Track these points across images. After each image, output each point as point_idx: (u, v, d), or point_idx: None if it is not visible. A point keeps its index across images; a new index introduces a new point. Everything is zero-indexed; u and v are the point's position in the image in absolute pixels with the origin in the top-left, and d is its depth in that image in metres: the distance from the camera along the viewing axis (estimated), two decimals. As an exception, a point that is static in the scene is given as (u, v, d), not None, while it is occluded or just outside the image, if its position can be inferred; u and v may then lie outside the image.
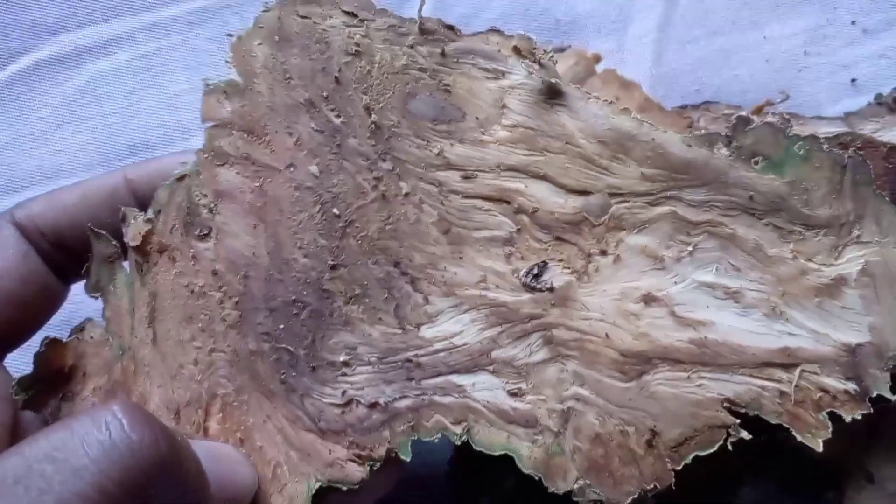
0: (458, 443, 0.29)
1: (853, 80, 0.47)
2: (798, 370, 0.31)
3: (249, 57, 0.32)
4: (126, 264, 0.32)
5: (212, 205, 0.31)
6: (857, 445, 0.36)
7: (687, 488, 0.30)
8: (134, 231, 0.31)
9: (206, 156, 0.31)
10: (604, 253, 0.32)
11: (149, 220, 0.31)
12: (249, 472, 0.29)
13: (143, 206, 0.32)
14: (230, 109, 0.32)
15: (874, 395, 0.31)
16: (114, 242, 0.32)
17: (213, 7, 0.48)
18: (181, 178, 0.32)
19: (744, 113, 0.33)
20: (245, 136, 0.32)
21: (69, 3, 0.47)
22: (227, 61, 0.32)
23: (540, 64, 0.33)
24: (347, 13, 0.33)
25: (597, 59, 0.38)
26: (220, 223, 0.31)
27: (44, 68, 0.46)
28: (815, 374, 0.31)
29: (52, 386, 0.31)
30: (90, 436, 0.22)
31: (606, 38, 0.47)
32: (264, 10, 0.33)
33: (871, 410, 0.30)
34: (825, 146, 0.33)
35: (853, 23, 0.48)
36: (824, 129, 0.43)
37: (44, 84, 0.47)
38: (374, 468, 0.29)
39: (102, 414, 0.22)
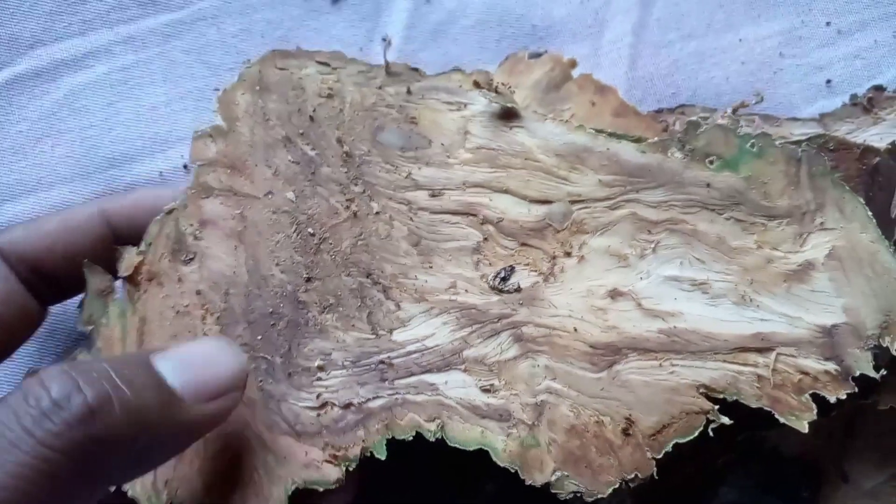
0: (433, 440, 0.35)
1: (828, 82, 0.54)
2: (774, 353, 0.37)
3: (233, 105, 0.43)
4: (118, 296, 0.41)
5: (196, 232, 0.40)
6: (833, 444, 0.41)
7: (667, 488, 0.35)
8: (127, 263, 0.40)
9: (193, 191, 0.41)
10: (568, 255, 0.39)
11: (140, 253, 0.40)
12: (233, 361, 0.33)
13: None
14: (215, 150, 0.42)
15: (857, 374, 0.36)
16: (108, 276, 0.41)
17: (189, 19, 0.54)
18: (170, 211, 0.41)
19: (695, 118, 0.41)
20: (228, 171, 0.41)
21: (45, 17, 0.53)
22: (214, 111, 0.43)
23: (497, 91, 0.43)
24: (321, 63, 0.44)
25: (572, 64, 0.44)
26: (204, 247, 0.40)
27: (22, 82, 0.53)
28: (793, 356, 0.36)
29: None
30: (21, 408, 0.27)
31: (582, 42, 0.54)
32: (247, 67, 0.44)
33: (857, 390, 0.36)
34: (776, 142, 0.41)
35: (828, 24, 0.54)
36: (799, 131, 0.49)
37: (22, 98, 0.53)
38: (350, 468, 0.35)
39: (30, 385, 0.27)
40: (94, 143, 0.52)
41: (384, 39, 0.53)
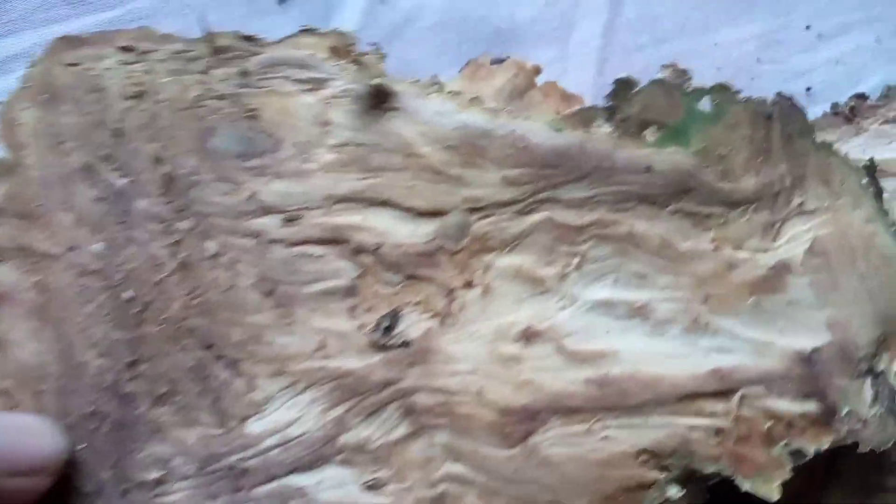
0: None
1: (808, 89, 0.58)
2: (737, 396, 0.33)
3: (16, 126, 0.37)
4: None
5: (-11, 312, 0.36)
6: (813, 483, 0.39)
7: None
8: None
9: (-22, 255, 0.36)
10: (469, 285, 0.35)
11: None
12: (51, 442, 0.34)
13: None
14: (1, 193, 0.37)
15: (845, 412, 0.32)
16: None
17: (122, 19, 0.56)
18: (-47, 285, 0.37)
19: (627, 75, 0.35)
20: (19, 222, 0.37)
21: (-36, 19, 0.56)
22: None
23: (357, 62, 0.36)
24: (124, 49, 0.38)
25: (537, 70, 0.44)
26: (3, 332, 0.36)
27: (-61, 89, 0.57)
28: (761, 397, 0.33)
29: None
30: None
31: (548, 46, 0.57)
32: (29, 66, 0.38)
33: (841, 436, 0.32)
34: (738, 95, 0.35)
35: (808, 27, 0.58)
36: None
37: (-60, 105, 0.58)
38: None
39: None
40: (20, 157, 0.58)
41: None
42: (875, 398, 0.33)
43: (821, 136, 0.47)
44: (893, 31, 0.58)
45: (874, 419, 0.34)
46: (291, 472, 0.34)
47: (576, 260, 0.35)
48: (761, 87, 0.55)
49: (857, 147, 0.52)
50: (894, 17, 0.59)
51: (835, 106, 0.54)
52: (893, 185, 0.52)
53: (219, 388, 0.35)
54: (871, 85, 0.57)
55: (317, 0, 0.58)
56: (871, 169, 0.34)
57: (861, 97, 0.55)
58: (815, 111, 0.55)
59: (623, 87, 0.36)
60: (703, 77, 0.36)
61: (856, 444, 0.34)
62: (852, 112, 0.53)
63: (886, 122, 0.53)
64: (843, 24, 0.58)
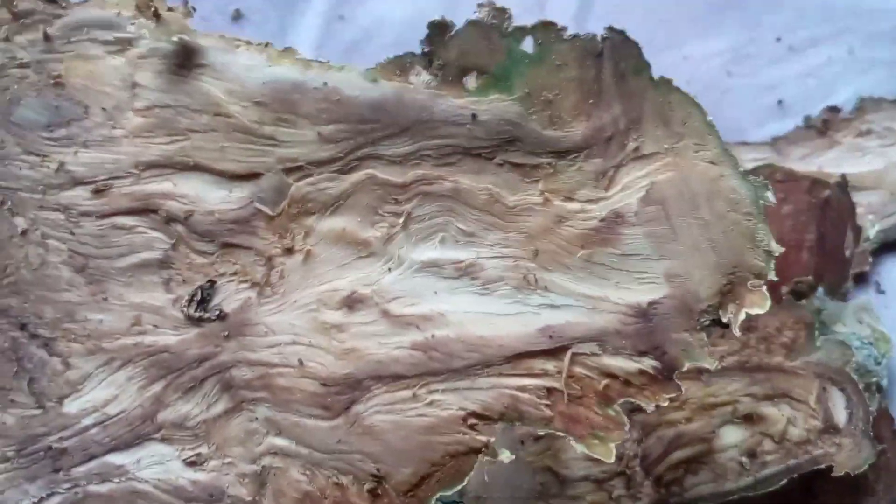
0: (129, 540, 0.36)
1: (779, 102, 0.64)
2: (568, 355, 0.36)
3: None
4: None
5: None
6: None
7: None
8: None
9: None
10: (290, 251, 0.38)
11: None
12: None
13: None
14: None
15: (685, 368, 0.35)
16: None
17: None
18: None
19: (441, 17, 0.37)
20: None
21: None
22: None
23: (158, 17, 0.39)
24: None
25: None
26: None
27: None
28: (595, 354, 0.36)
29: None
30: None
31: None
32: None
33: (682, 391, 0.35)
34: (564, 33, 0.37)
35: (778, 40, 0.65)
36: (750, 156, 0.60)
37: None
38: (30, 590, 0.37)
39: None
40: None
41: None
42: (849, 420, 0.37)
43: (794, 150, 0.57)
44: (865, 42, 0.64)
45: (849, 442, 0.37)
46: (110, 450, 0.38)
47: (401, 220, 0.38)
48: (732, 101, 0.64)
49: (831, 160, 0.58)
50: (865, 27, 0.65)
51: (807, 119, 0.61)
52: (868, 199, 0.59)
53: (34, 369, 0.39)
54: (843, 97, 0.63)
55: (272, 17, 0.63)
56: (843, 185, 0.36)
57: (834, 110, 0.61)
58: (787, 124, 0.62)
59: (438, 31, 0.38)
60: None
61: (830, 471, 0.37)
62: (825, 125, 0.60)
63: (860, 134, 0.61)
64: (813, 36, 0.64)
